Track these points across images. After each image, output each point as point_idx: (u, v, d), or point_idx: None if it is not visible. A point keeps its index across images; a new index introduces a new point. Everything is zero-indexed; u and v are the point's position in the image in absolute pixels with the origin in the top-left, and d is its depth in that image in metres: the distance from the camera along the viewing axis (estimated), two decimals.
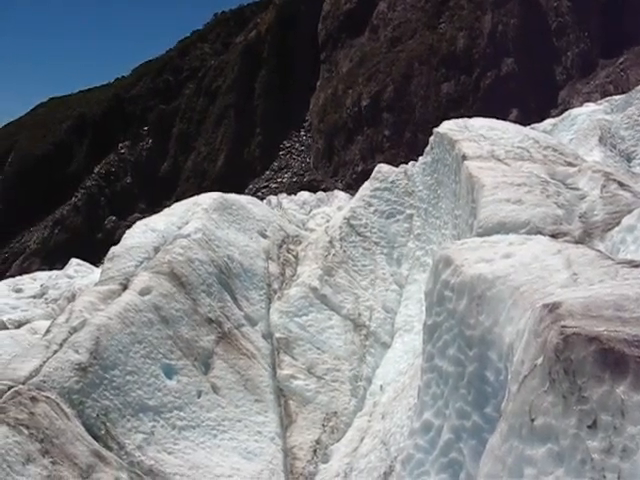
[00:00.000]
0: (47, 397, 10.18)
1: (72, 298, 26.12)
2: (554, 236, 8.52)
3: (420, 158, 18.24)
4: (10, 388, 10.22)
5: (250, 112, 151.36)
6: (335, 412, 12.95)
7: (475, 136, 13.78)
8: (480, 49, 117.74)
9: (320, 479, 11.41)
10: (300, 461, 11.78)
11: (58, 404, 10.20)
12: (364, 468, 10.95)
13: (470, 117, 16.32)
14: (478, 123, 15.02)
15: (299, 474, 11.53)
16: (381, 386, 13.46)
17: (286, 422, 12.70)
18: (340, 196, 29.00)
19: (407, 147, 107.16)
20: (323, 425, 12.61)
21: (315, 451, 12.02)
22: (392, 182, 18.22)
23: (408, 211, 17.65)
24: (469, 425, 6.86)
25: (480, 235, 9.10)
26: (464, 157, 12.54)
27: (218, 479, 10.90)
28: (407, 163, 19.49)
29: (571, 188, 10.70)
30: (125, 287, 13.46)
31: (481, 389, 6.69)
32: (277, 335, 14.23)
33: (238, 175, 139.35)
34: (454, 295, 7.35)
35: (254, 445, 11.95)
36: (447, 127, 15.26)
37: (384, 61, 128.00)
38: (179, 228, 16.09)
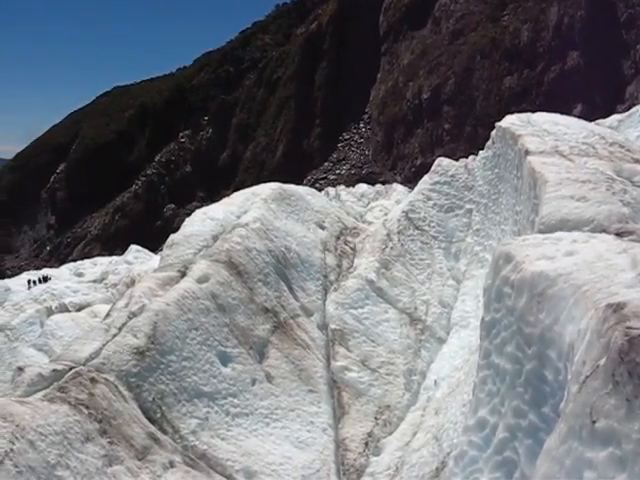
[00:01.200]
0: (106, 379, 10.38)
1: (131, 283, 26.64)
2: (619, 235, 8.26)
3: (481, 152, 17.98)
4: (71, 369, 10.47)
5: (310, 103, 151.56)
6: (388, 405, 12.90)
7: (538, 131, 13.48)
8: (545, 42, 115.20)
9: (371, 472, 11.38)
10: (352, 453, 11.78)
11: (116, 386, 10.40)
12: (416, 463, 10.89)
13: (533, 112, 15.99)
14: (542, 118, 14.69)
15: (350, 466, 11.52)
16: (435, 381, 13.36)
17: (339, 413, 12.71)
18: (398, 189, 28.89)
19: (467, 141, 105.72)
20: (376, 418, 12.58)
21: (367, 444, 11.99)
22: (452, 176, 18.04)
23: (467, 206, 17.44)
24: (525, 424, 6.74)
25: (542, 232, 8.89)
26: (527, 152, 12.28)
27: (270, 467, 10.95)
28: (467, 157, 19.28)
29: (638, 186, 10.39)
30: (183, 274, 13.62)
31: (539, 388, 6.56)
32: (332, 326, 14.24)
33: (296, 166, 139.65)
34: (514, 292, 7.21)
35: (306, 435, 11.99)
36: (510, 121, 14.97)
37: (446, 54, 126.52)
38: (238, 217, 16.22)
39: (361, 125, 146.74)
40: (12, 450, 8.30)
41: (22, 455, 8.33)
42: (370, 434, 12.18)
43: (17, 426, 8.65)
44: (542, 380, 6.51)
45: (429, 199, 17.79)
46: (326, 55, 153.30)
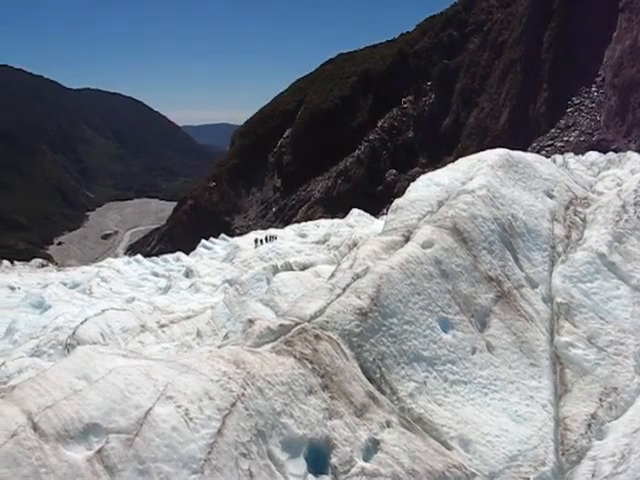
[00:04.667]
0: (329, 337, 10.73)
1: (353, 246, 27.31)
2: None
3: None
4: (297, 324, 10.94)
5: (537, 67, 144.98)
6: (615, 388, 12.18)
7: None
8: None
9: (593, 455, 10.82)
10: (572, 433, 11.28)
11: (339, 344, 10.71)
12: None
13: None
14: None
15: (570, 446, 11.04)
16: None
17: (560, 391, 12.21)
18: (633, 158, 26.91)
19: None
20: (600, 399, 11.93)
21: (590, 425, 11.42)
22: None
23: None
24: None
25: None
26: None
27: (485, 437, 10.79)
28: None
29: None
30: (407, 239, 13.68)
31: None
32: (558, 300, 13.65)
33: (521, 132, 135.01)
34: None
35: (525, 409, 11.65)
36: None
37: None
38: (463, 184, 15.97)
39: (593, 89, 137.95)
40: (244, 394, 8.86)
41: (252, 400, 8.87)
42: (594, 416, 11.58)
43: (248, 373, 9.21)
44: None
45: None
46: (555, 14, 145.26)
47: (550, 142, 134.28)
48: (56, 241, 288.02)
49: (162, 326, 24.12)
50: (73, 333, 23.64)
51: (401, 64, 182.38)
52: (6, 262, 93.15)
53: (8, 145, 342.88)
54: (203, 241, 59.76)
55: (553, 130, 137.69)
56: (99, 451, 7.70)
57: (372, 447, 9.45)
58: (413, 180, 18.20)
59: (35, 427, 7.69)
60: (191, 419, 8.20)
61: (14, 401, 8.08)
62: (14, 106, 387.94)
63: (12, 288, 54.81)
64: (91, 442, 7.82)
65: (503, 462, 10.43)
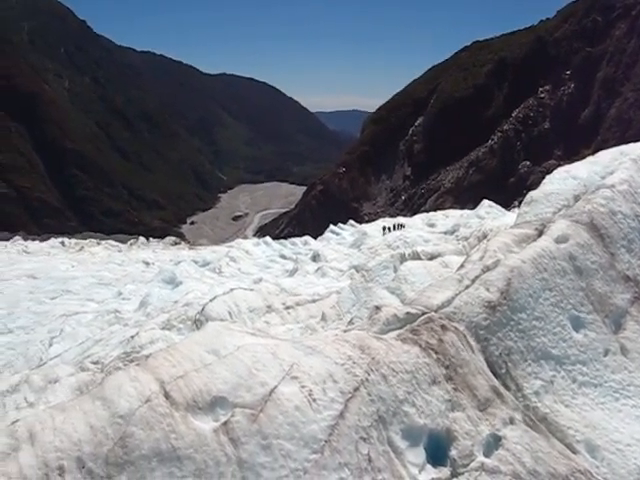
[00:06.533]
0: (455, 328, 10.60)
1: (482, 238, 26.82)
2: None
3: None
4: (423, 314, 10.88)
5: None
6: None
7: None
8: None
9: None
10: None
11: (465, 336, 10.56)
12: None
13: None
14: None
15: None
16: None
17: None
18: None
19: None
20: None
21: None
22: None
23: None
24: None
25: None
26: None
27: (615, 445, 10.32)
28: None
29: None
30: (541, 233, 13.27)
31: None
32: None
33: None
34: None
35: None
36: None
37: None
38: (602, 178, 15.29)
39: None
40: (367, 380, 8.92)
41: (375, 386, 8.92)
42: None
43: (373, 359, 9.26)
44: None
45: None
46: None
47: None
48: (189, 220, 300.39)
49: (287, 308, 24.62)
50: (202, 310, 24.56)
51: (539, 52, 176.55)
52: (142, 239, 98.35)
53: (149, 127, 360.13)
54: (331, 226, 60.47)
55: None
56: (225, 423, 8.01)
57: (493, 443, 9.27)
58: (547, 173, 17.62)
59: (167, 395, 8.11)
60: (314, 400, 8.35)
61: (149, 369, 8.55)
62: (156, 90, 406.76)
63: (147, 263, 57.84)
64: (217, 414, 8.14)
65: (634, 474, 9.93)
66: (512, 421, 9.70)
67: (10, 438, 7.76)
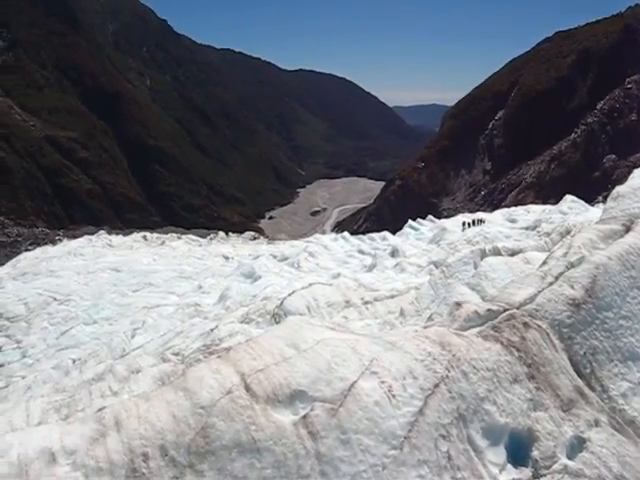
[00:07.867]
0: (538, 325, 10.37)
1: (565, 233, 26.13)
2: None
3: None
4: (505, 310, 10.68)
5: None
6: None
7: None
8: None
9: None
10: None
11: (548, 334, 10.32)
12: None
13: None
14: None
15: None
16: None
17: None
18: None
19: None
20: None
21: None
22: None
23: None
24: None
25: None
26: None
27: None
28: None
29: None
30: (628, 229, 12.84)
31: None
32: None
33: None
34: None
35: None
36: None
37: None
38: None
39: None
40: (447, 377, 8.84)
41: (455, 383, 8.83)
42: None
43: (453, 356, 9.17)
44: None
45: None
46: None
47: None
48: (267, 215, 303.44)
49: (366, 303, 24.56)
50: (281, 304, 24.75)
51: (627, 41, 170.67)
52: (221, 233, 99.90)
53: (228, 124, 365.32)
54: (410, 222, 59.96)
55: None
56: (304, 417, 8.08)
57: (577, 445, 9.04)
58: (635, 167, 17.03)
59: (247, 387, 8.24)
60: (394, 396, 8.33)
61: (230, 361, 8.70)
62: (235, 87, 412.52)
63: (226, 258, 58.71)
64: (297, 408, 8.22)
65: None
66: (597, 423, 9.43)
67: (98, 424, 8.04)
